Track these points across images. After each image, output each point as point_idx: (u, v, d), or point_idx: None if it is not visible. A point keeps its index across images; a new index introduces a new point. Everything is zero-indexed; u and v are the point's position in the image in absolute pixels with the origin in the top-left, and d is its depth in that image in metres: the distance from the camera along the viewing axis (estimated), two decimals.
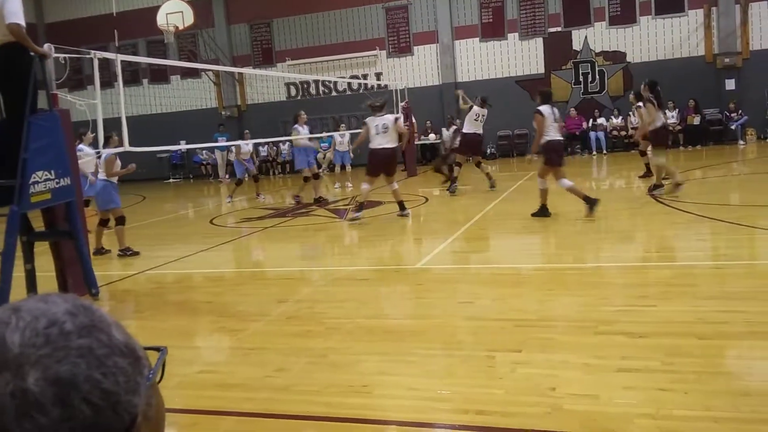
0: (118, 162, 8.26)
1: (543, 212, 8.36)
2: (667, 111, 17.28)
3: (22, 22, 5.21)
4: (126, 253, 8.09)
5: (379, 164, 9.23)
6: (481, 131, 11.97)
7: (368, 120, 9.31)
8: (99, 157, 8.21)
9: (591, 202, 7.96)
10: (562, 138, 8.36)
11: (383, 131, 9.08)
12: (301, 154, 12.34)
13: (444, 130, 13.43)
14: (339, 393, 3.44)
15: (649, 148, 10.53)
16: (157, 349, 0.67)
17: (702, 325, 3.95)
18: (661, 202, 8.78)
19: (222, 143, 16.20)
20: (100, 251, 8.27)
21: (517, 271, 5.94)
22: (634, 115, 14.18)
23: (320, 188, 12.50)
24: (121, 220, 8.16)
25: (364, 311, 5.05)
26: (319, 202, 11.90)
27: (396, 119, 9.44)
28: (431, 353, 3.92)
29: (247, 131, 15.98)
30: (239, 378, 3.75)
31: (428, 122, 18.98)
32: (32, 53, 5.37)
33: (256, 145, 17.48)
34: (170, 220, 12.07)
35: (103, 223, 8.33)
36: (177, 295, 6.25)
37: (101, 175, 8.16)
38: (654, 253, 6.27)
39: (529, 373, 3.45)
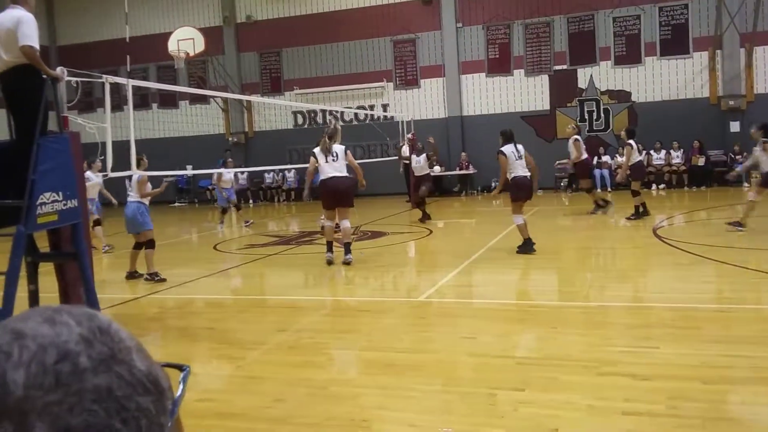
0: (149, 184, 8.24)
1: (526, 247, 8.40)
2: (671, 151, 17.40)
3: (36, 45, 5.29)
4: (153, 278, 7.92)
5: (330, 196, 8.43)
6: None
7: (316, 150, 8.52)
8: (129, 179, 8.13)
9: (526, 248, 8.37)
10: (527, 174, 8.62)
11: (333, 161, 8.37)
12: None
13: (414, 156, 13.17)
14: (338, 426, 3.40)
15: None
16: (179, 367, 0.58)
17: (706, 369, 3.91)
18: (666, 243, 8.77)
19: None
20: (133, 275, 8.15)
21: (521, 308, 5.91)
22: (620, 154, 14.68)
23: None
24: (151, 244, 8.00)
25: (365, 343, 5.02)
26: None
27: (346, 150, 8.49)
28: (432, 389, 3.89)
29: (230, 159, 15.60)
30: (238, 407, 3.71)
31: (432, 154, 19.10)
32: (44, 75, 5.44)
33: (261, 173, 17.57)
34: (174, 245, 12.07)
35: (138, 246, 8.16)
36: (178, 320, 6.23)
37: (133, 197, 8.08)
38: (658, 294, 6.24)
39: (532, 413, 3.42)
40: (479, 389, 3.81)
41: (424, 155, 12.99)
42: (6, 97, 5.57)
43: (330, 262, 8.44)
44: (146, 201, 8.15)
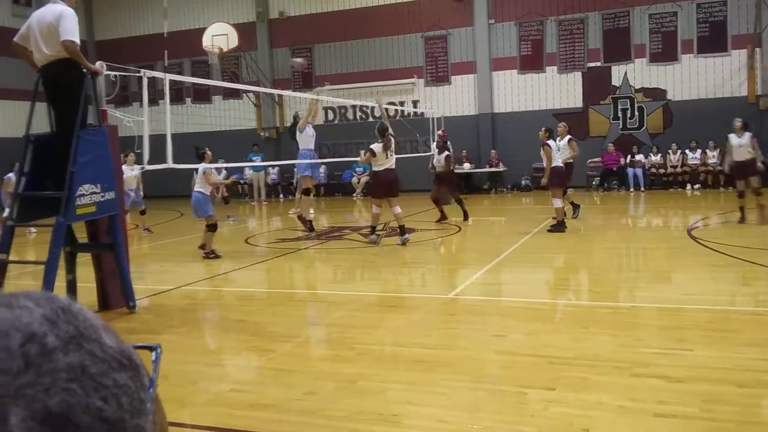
0: (215, 173, 9.34)
1: (559, 227, 9.92)
2: (707, 151, 17.04)
3: (77, 40, 5.41)
4: (209, 256, 8.97)
5: (387, 186, 9.81)
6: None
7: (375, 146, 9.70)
8: (196, 171, 9.20)
9: (559, 227, 9.96)
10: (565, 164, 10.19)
11: (391, 155, 9.79)
12: (305, 162, 11.24)
13: (437, 155, 12.41)
14: (368, 420, 3.43)
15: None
16: (149, 348, 0.54)
17: (741, 373, 3.84)
18: (701, 244, 8.61)
19: (257, 163, 16.47)
20: (209, 254, 9.05)
21: (551, 307, 5.87)
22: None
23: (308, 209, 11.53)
24: (212, 227, 9.03)
25: (393, 338, 5.04)
26: (301, 220, 11.25)
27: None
28: (461, 385, 3.89)
29: (221, 159, 15.46)
30: (270, 399, 3.77)
31: (464, 151, 19.01)
32: (84, 69, 5.57)
33: (291, 167, 17.70)
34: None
35: (212, 228, 9.08)
36: (210, 312, 6.33)
37: (197, 187, 9.06)
38: (691, 296, 6.14)
39: (562, 412, 3.40)
40: (509, 387, 3.80)
41: (446, 153, 12.53)
42: (47, 91, 5.71)
43: (376, 243, 9.65)
44: (207, 191, 9.09)
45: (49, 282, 5.07)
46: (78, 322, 0.47)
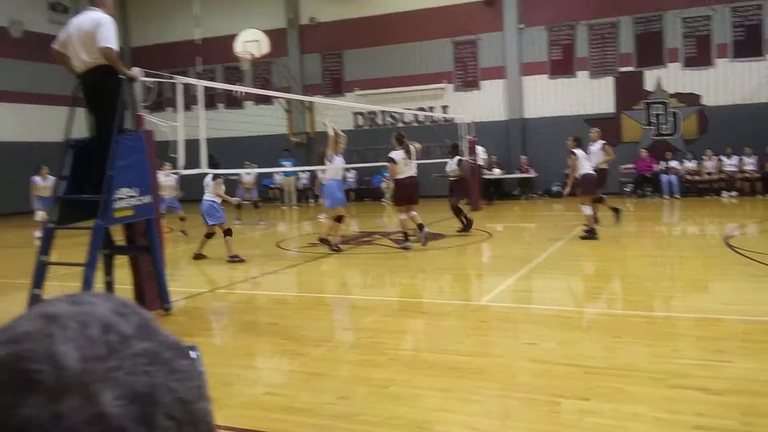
0: (223, 186, 9.57)
1: (591, 234, 9.82)
2: (743, 157, 16.68)
3: (115, 47, 5.52)
4: (234, 259, 9.17)
5: (405, 194, 9.95)
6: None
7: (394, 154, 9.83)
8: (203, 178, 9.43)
9: (591, 234, 9.78)
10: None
11: (411, 161, 9.94)
12: (328, 189, 10.41)
13: (449, 161, 11.75)
14: (400, 426, 3.43)
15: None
16: (188, 347, 0.57)
17: None
18: (739, 253, 8.43)
19: (287, 168, 16.65)
20: (199, 257, 9.40)
21: (584, 315, 5.80)
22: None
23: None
24: (228, 232, 9.40)
25: (425, 344, 5.04)
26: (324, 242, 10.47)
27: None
28: (494, 393, 3.87)
29: (247, 162, 15.79)
30: (303, 402, 3.79)
31: (493, 157, 18.93)
32: (121, 75, 5.68)
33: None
34: (237, 241, 12.37)
35: (228, 233, 9.44)
36: (243, 315, 6.40)
37: (208, 195, 9.38)
38: (729, 306, 6.01)
39: (597, 423, 3.36)
40: (543, 396, 3.77)
41: (457, 158, 11.97)
42: (86, 97, 5.84)
43: (408, 248, 9.66)
44: (219, 199, 9.32)
45: (87, 283, 5.19)
46: (140, 315, 0.51)
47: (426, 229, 9.82)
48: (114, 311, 0.49)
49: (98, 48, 5.45)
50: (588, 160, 10.43)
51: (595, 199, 10.81)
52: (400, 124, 20.71)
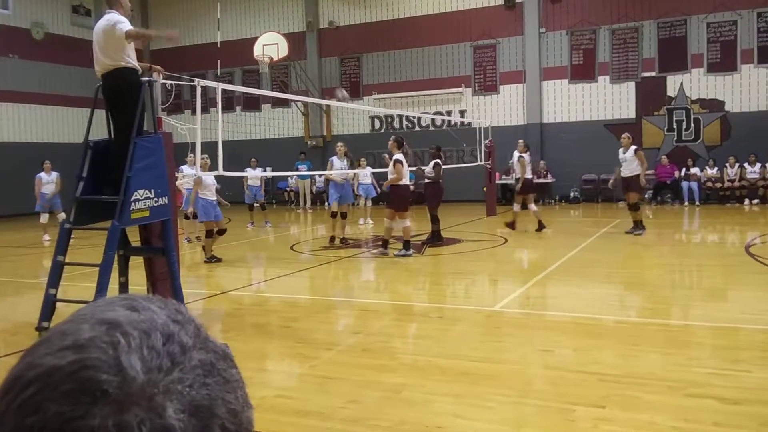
0: (211, 179, 9.68)
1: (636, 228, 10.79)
2: (767, 165, 16.40)
3: (129, 27, 5.52)
4: (210, 260, 9.38)
5: (406, 200, 9.86)
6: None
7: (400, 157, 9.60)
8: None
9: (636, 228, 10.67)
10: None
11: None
12: (333, 188, 11.70)
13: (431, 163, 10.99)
14: (412, 431, 3.40)
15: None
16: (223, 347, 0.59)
17: None
18: (760, 261, 8.28)
19: (302, 172, 16.70)
20: (211, 259, 9.51)
21: (599, 322, 5.73)
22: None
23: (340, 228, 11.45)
24: (220, 232, 9.73)
25: (438, 349, 5.00)
26: (343, 242, 11.31)
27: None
28: (508, 400, 3.82)
29: (253, 159, 15.82)
30: (314, 406, 3.78)
31: (510, 161, 18.80)
32: (140, 76, 5.72)
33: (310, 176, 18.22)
34: (251, 244, 12.43)
35: (220, 233, 9.80)
36: (256, 317, 6.40)
37: (201, 194, 9.60)
38: (749, 315, 5.89)
39: (613, 431, 3.30)
40: (557, 403, 3.71)
41: (433, 161, 10.92)
42: (106, 99, 5.89)
43: (411, 255, 9.54)
44: (213, 197, 9.70)
45: (103, 283, 5.22)
46: (194, 323, 0.51)
47: (386, 250, 9.66)
48: (172, 319, 0.49)
49: (118, 37, 5.44)
50: (624, 165, 11.13)
51: (526, 204, 12.02)
52: (417, 129, 20.70)
